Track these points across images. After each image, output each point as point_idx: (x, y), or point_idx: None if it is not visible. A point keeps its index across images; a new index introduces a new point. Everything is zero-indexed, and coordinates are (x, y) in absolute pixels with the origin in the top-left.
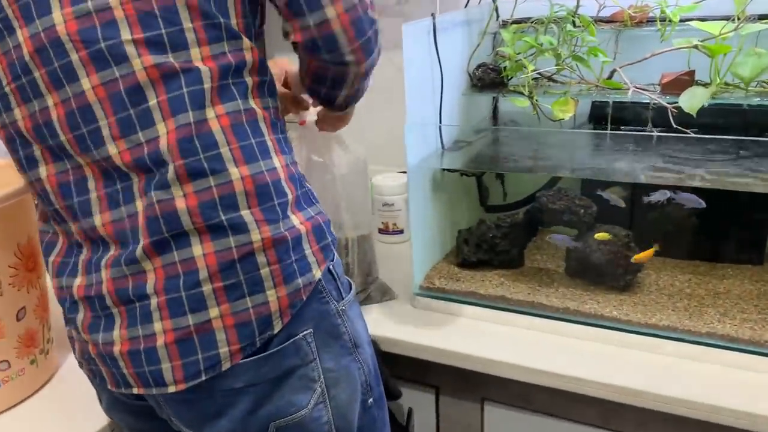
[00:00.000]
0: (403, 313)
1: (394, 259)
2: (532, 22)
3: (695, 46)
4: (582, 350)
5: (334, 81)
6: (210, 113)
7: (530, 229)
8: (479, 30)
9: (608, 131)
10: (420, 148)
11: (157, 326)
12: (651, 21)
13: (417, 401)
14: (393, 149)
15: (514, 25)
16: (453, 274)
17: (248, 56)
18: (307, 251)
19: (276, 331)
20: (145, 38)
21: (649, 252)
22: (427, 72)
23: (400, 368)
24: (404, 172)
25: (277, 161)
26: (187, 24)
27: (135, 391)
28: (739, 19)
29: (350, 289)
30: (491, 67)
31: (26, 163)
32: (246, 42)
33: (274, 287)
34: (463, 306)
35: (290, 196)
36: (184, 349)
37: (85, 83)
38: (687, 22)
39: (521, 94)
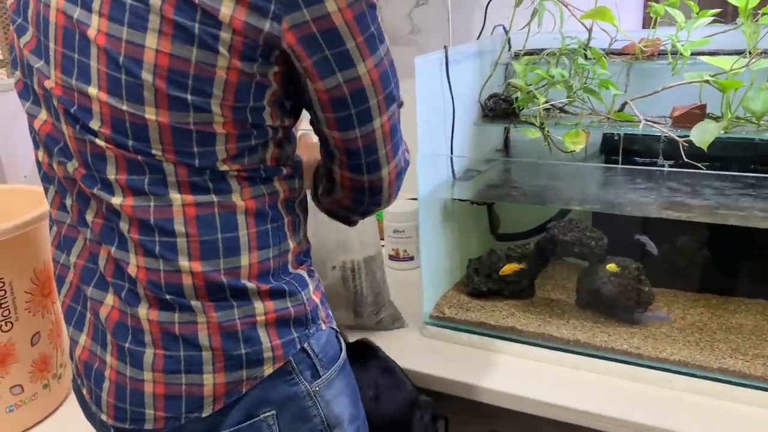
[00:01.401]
0: (413, 341)
1: (404, 286)
2: (544, 54)
3: (707, 81)
4: (592, 383)
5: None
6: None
7: (541, 259)
8: (491, 61)
9: (619, 165)
10: (432, 178)
11: (110, 360)
12: (662, 54)
13: None
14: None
15: (526, 57)
16: (463, 303)
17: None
18: (264, 345)
19: (204, 414)
20: None
21: (516, 266)
22: (439, 102)
23: None
24: (415, 199)
25: (246, 259)
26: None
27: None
28: (750, 54)
29: (335, 360)
30: (503, 97)
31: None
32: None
33: (213, 372)
34: (472, 336)
35: (259, 289)
36: (120, 394)
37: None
38: (698, 56)
39: (533, 125)
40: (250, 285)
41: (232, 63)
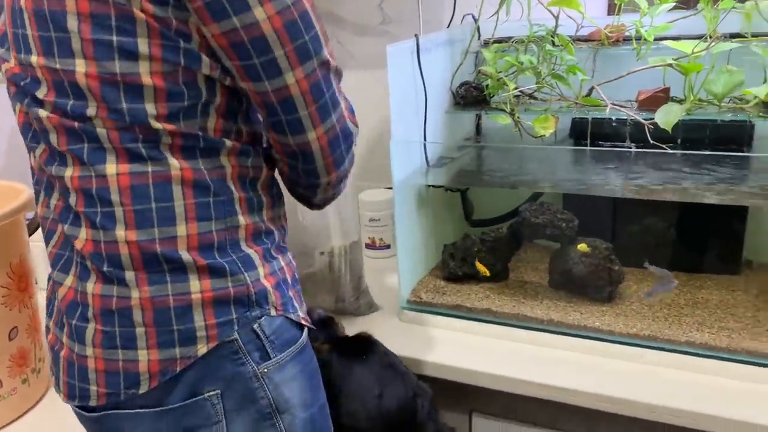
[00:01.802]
0: (391, 326)
1: (381, 273)
2: (512, 42)
3: (670, 65)
4: (566, 360)
5: (306, 187)
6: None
7: (514, 242)
8: (462, 49)
9: (588, 147)
10: (405, 165)
11: (65, 339)
12: (627, 40)
13: None
14: (378, 165)
15: (495, 45)
16: (439, 287)
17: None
18: (198, 324)
19: (142, 391)
20: None
21: (482, 268)
22: (411, 91)
23: None
24: (390, 188)
25: (183, 229)
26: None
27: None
28: (710, 38)
29: (290, 345)
30: (474, 85)
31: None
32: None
33: (147, 349)
34: (449, 319)
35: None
36: (70, 371)
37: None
38: (661, 41)
39: (503, 111)
40: (188, 258)
41: (143, 6)
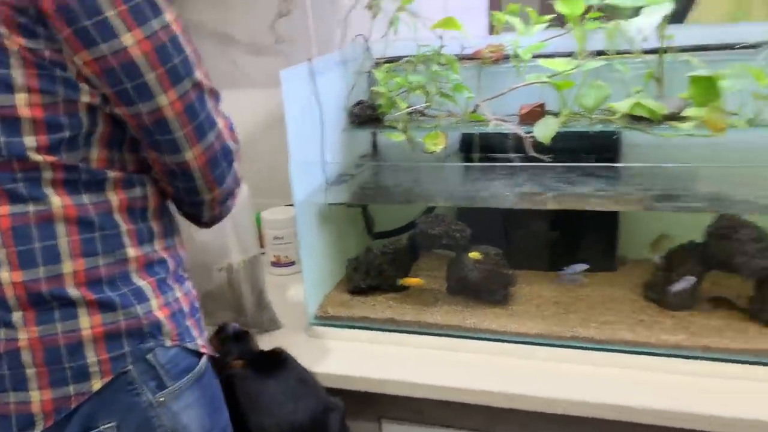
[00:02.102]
0: (300, 342)
1: (288, 290)
2: (402, 62)
3: (545, 82)
4: (467, 362)
5: (191, 205)
6: None
7: (413, 253)
8: (355, 69)
9: (475, 164)
10: (306, 184)
11: None
12: (507, 58)
13: None
14: (279, 182)
15: (387, 65)
16: (345, 301)
17: None
18: (90, 360)
19: (37, 431)
20: None
21: (416, 280)
22: (308, 111)
23: None
24: (292, 205)
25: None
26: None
27: None
28: (580, 56)
29: (187, 372)
30: (367, 104)
31: None
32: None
33: (39, 389)
34: (355, 331)
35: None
36: None
37: None
38: (538, 59)
39: (396, 129)
40: (76, 294)
41: (15, 38)
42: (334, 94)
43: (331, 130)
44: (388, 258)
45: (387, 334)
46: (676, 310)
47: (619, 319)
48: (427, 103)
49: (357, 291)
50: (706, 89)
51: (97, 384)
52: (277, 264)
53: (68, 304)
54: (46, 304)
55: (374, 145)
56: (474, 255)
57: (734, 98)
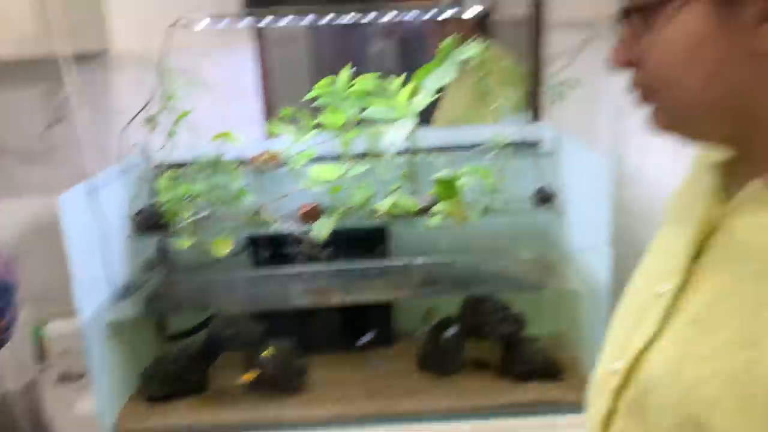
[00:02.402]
0: None
1: (77, 404)
2: (184, 170)
3: (318, 186)
4: None
5: None
6: None
7: (209, 354)
8: (137, 175)
9: (256, 273)
10: (92, 300)
11: None
12: (284, 165)
13: None
14: (59, 291)
15: (169, 172)
16: (142, 412)
17: None
18: None
19: None
20: None
21: (251, 375)
22: (88, 229)
23: None
24: (76, 316)
25: None
26: None
27: None
28: (347, 159)
29: None
30: (152, 211)
31: None
32: None
33: None
34: None
35: None
36: None
37: None
38: (314, 163)
39: (183, 235)
40: None
41: None
42: (117, 204)
43: (118, 240)
44: (181, 365)
45: None
46: (446, 375)
47: (399, 392)
48: (212, 209)
49: (155, 399)
50: (447, 188)
51: None
52: (67, 379)
53: None
54: None
55: (163, 251)
56: (268, 352)
57: (471, 193)
